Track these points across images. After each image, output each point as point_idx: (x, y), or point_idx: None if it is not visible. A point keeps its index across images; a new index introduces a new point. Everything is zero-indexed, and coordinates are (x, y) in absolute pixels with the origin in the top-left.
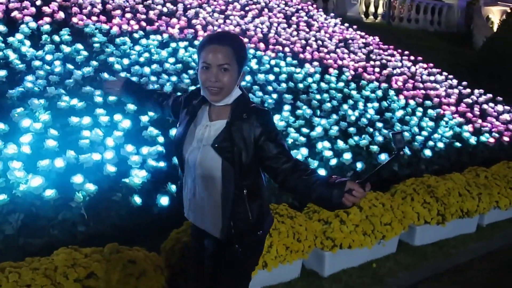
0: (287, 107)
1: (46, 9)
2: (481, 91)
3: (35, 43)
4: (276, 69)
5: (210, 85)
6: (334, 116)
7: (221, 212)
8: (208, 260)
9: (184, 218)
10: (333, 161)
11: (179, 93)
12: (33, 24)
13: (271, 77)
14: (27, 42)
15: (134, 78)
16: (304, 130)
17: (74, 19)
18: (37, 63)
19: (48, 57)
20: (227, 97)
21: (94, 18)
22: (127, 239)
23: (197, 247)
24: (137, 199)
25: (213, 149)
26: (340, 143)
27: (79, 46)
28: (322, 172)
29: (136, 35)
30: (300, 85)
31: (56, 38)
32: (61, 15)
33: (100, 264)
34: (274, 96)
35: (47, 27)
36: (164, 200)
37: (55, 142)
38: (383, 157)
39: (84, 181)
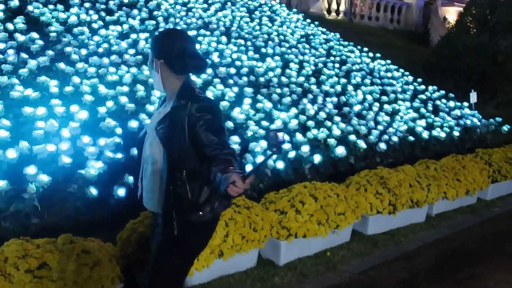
0: (247, 101)
1: None
2: (435, 87)
3: None
4: (238, 63)
5: None
6: (294, 110)
7: (164, 191)
8: (153, 239)
9: (141, 209)
10: (292, 154)
11: None
12: None
13: (232, 70)
14: None
15: (92, 69)
16: (264, 123)
17: (30, 7)
18: None
19: (1, 46)
20: (154, 83)
21: (51, 6)
22: (83, 231)
23: (153, 235)
24: (93, 191)
25: (155, 132)
26: (299, 136)
27: (35, 35)
28: (280, 164)
29: (95, 25)
30: (261, 79)
31: (10, 26)
32: (15, 2)
33: (52, 254)
34: (235, 89)
35: (0, 15)
36: (121, 191)
37: (7, 133)
38: (340, 150)
39: (37, 172)
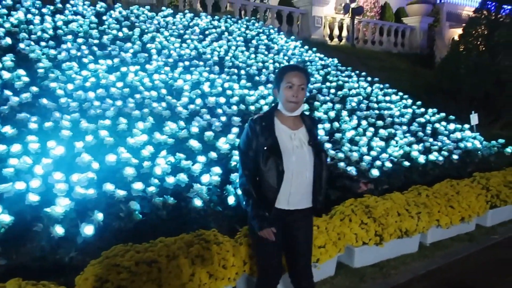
0: (235, 130)
1: None
2: (435, 110)
3: None
4: (229, 92)
5: (293, 99)
6: None
7: (313, 188)
8: (298, 232)
9: (103, 249)
10: None
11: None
12: None
13: (222, 99)
14: None
15: (74, 104)
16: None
17: (21, 45)
18: None
19: None
20: (299, 109)
21: (43, 43)
22: (48, 272)
23: (281, 231)
24: (59, 229)
25: (310, 146)
26: None
27: (21, 71)
28: None
29: (85, 60)
30: (252, 107)
31: None
32: (7, 40)
33: None
34: (223, 118)
35: None
36: (88, 230)
37: None
38: None
39: (2, 211)
